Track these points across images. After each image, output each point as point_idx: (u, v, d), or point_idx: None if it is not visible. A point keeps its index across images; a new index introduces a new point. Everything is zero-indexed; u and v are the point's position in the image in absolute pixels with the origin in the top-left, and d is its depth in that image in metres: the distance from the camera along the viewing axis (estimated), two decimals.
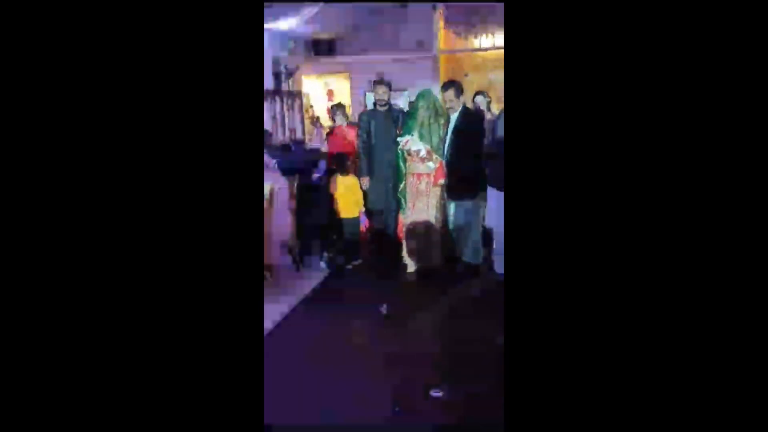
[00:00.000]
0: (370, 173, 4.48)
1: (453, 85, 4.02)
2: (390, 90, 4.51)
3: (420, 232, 4.13)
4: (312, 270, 4.50)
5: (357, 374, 2.76)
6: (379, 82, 4.52)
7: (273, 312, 3.49)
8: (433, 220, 4.13)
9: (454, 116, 3.98)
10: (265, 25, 8.80)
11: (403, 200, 4.18)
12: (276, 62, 9.03)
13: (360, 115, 4.89)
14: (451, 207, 4.12)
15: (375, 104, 4.51)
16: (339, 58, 9.79)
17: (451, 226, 4.20)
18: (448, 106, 3.95)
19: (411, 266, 4.30)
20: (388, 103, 4.46)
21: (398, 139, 4.01)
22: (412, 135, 3.91)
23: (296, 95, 9.29)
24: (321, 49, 9.79)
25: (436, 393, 2.51)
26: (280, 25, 9.07)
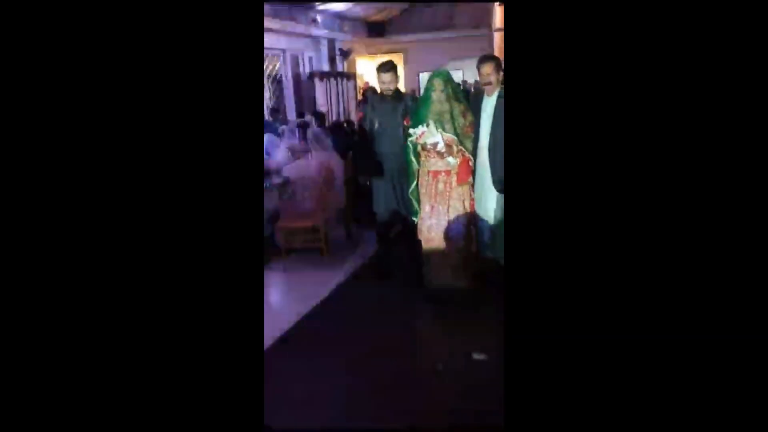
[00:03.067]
0: (372, 170, 3.70)
1: (492, 59, 3.25)
2: (397, 76, 3.65)
3: (441, 241, 3.28)
4: (365, 243, 4.57)
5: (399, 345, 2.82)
6: (385, 66, 3.61)
7: (327, 282, 3.64)
8: (454, 227, 3.25)
9: (492, 97, 3.20)
10: (319, 6, 8.91)
11: (415, 202, 3.36)
12: (331, 44, 9.14)
13: (363, 105, 4.13)
14: (493, 202, 3.26)
15: (381, 92, 3.68)
16: (393, 38, 9.79)
17: (490, 224, 3.34)
18: (484, 81, 3.19)
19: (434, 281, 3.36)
20: (396, 91, 3.65)
21: (410, 130, 3.22)
22: (427, 125, 3.13)
23: (350, 77, 9.38)
24: (375, 30, 9.82)
25: (479, 356, 2.50)
26: (333, 6, 9.16)
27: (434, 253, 3.28)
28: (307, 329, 3.01)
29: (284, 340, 2.85)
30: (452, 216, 3.21)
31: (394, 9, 9.40)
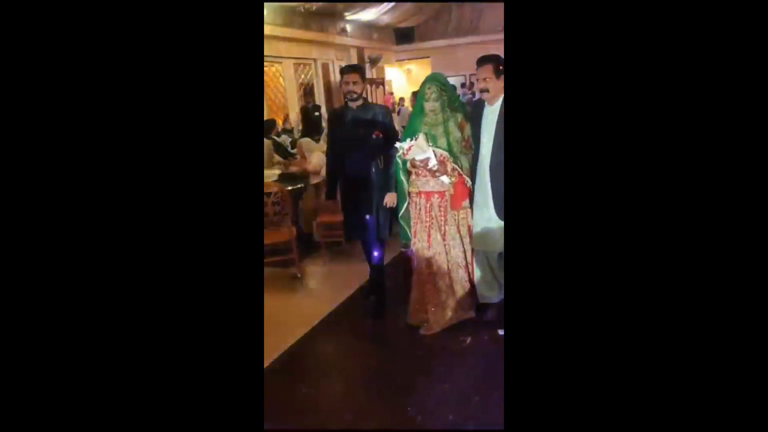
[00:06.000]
0: (336, 191, 3.29)
1: (489, 61, 2.60)
2: (363, 79, 3.12)
3: (433, 274, 2.82)
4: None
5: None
6: (349, 69, 3.10)
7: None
8: (453, 256, 2.80)
9: (493, 107, 2.64)
10: (349, 17, 9.22)
11: (406, 227, 2.91)
12: (360, 52, 9.43)
13: (328, 115, 3.59)
14: (494, 230, 2.76)
15: (345, 99, 3.14)
16: (419, 45, 10.02)
17: (491, 258, 2.85)
18: (482, 87, 2.63)
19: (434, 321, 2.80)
20: (361, 97, 3.07)
21: (397, 144, 2.72)
22: (415, 138, 2.65)
23: (379, 83, 9.64)
24: (403, 37, 10.08)
25: (502, 332, 2.58)
26: (362, 16, 9.45)
27: (424, 287, 2.83)
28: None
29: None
30: (448, 244, 2.77)
31: (422, 15, 9.63)
